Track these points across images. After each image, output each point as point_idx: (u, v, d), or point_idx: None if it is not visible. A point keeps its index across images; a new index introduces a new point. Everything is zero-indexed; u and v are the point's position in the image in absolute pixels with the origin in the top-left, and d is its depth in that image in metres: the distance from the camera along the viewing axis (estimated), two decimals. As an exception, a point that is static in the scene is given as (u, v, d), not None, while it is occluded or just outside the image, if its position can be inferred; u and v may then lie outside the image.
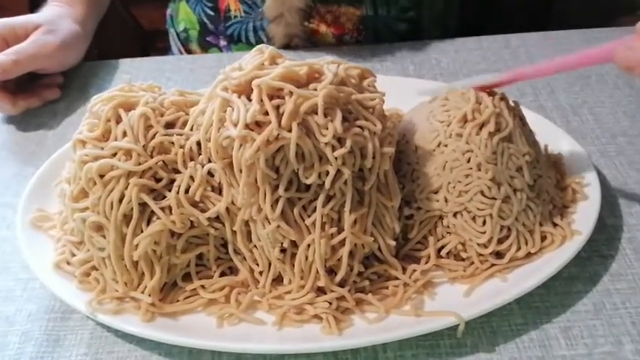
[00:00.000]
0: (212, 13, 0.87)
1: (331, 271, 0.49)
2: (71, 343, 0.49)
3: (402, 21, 0.85)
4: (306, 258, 0.48)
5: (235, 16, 0.85)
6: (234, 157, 0.46)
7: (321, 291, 0.49)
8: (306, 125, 0.46)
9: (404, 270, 0.51)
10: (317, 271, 0.48)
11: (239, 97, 0.47)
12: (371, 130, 0.48)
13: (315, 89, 0.47)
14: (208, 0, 0.86)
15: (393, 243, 0.50)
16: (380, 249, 0.50)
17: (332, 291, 0.48)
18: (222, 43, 0.89)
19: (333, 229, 0.48)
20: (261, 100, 0.46)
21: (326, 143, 0.46)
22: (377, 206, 0.49)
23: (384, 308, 0.48)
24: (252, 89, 0.46)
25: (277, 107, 0.46)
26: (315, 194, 0.48)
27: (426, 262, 0.51)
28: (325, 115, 0.46)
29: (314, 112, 0.46)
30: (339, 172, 0.47)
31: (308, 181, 0.46)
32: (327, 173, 0.46)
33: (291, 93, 0.46)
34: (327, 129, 0.46)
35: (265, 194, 0.47)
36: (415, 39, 0.85)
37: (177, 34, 0.94)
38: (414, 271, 0.51)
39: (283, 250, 0.48)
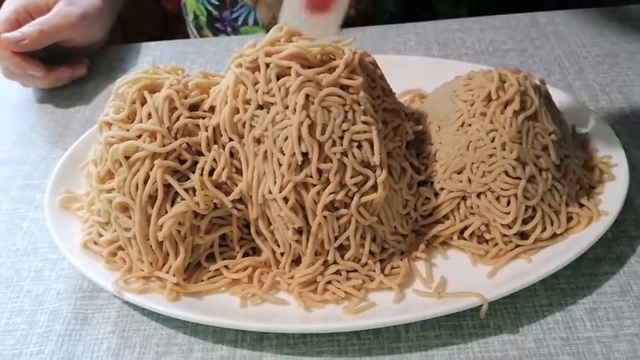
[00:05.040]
0: (217, 2, 0.89)
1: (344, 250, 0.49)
2: (99, 321, 0.50)
3: None
4: (317, 236, 0.48)
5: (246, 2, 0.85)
6: (245, 135, 0.47)
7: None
8: (308, 114, 0.46)
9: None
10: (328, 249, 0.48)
11: (253, 73, 0.47)
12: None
13: (329, 70, 0.47)
14: None
15: (402, 224, 0.50)
16: (396, 230, 0.50)
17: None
18: (229, 29, 0.91)
19: (344, 211, 0.48)
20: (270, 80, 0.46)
21: (325, 141, 0.46)
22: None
23: (395, 285, 0.48)
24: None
25: (287, 88, 0.46)
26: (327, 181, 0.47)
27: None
28: (328, 110, 0.46)
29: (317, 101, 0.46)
30: (343, 165, 0.47)
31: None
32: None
33: (297, 74, 0.46)
34: (327, 127, 0.46)
35: (275, 175, 0.47)
36: (421, 5, 0.83)
37: (191, 21, 0.96)
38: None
39: (301, 232, 0.48)
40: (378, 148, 0.47)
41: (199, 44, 0.84)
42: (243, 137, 0.49)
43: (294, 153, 0.46)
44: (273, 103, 0.47)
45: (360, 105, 0.47)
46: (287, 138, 0.46)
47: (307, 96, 0.46)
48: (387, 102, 0.51)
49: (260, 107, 0.47)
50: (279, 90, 0.46)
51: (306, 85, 0.46)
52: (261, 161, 0.47)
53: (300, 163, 0.46)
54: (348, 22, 0.82)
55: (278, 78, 0.47)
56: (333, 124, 0.46)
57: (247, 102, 0.48)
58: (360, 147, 0.47)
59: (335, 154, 0.46)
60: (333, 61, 0.48)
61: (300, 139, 0.46)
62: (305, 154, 0.46)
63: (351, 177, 0.47)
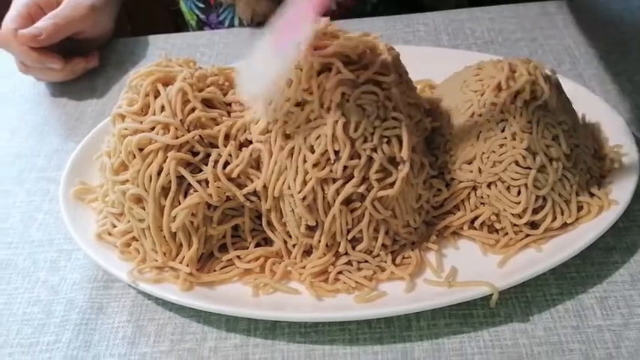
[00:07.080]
0: (203, 5, 0.90)
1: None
2: (114, 310, 0.50)
3: None
4: (330, 230, 0.48)
5: (226, 0, 0.86)
6: (275, 129, 0.48)
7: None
8: (343, 112, 0.46)
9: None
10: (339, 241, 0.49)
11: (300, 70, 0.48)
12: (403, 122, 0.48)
13: (366, 66, 0.47)
14: None
15: (415, 218, 0.51)
16: (408, 223, 0.51)
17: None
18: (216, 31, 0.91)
19: (358, 204, 0.48)
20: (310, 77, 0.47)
21: (357, 138, 0.46)
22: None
23: (406, 275, 0.48)
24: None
25: (324, 86, 0.46)
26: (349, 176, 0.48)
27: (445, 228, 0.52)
28: (363, 108, 0.46)
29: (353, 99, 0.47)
30: (370, 160, 0.47)
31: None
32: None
33: (337, 71, 0.46)
34: (360, 125, 0.46)
35: (297, 171, 0.47)
36: None
37: (187, 23, 0.97)
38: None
39: (313, 228, 0.49)
40: (407, 144, 0.47)
41: (209, 36, 0.84)
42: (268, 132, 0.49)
43: (326, 151, 0.46)
44: (309, 101, 0.47)
45: (390, 100, 0.48)
46: (319, 136, 0.46)
47: (343, 94, 0.46)
48: (411, 96, 0.51)
49: (297, 104, 0.48)
50: (318, 87, 0.47)
51: (343, 83, 0.46)
52: (285, 156, 0.48)
53: (332, 162, 0.47)
54: (329, 16, 0.83)
55: (319, 74, 0.47)
56: (366, 121, 0.46)
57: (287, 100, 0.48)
58: (389, 142, 0.47)
59: (365, 150, 0.47)
60: (369, 56, 0.48)
61: (333, 137, 0.46)
62: (336, 152, 0.47)
63: (376, 172, 0.47)
